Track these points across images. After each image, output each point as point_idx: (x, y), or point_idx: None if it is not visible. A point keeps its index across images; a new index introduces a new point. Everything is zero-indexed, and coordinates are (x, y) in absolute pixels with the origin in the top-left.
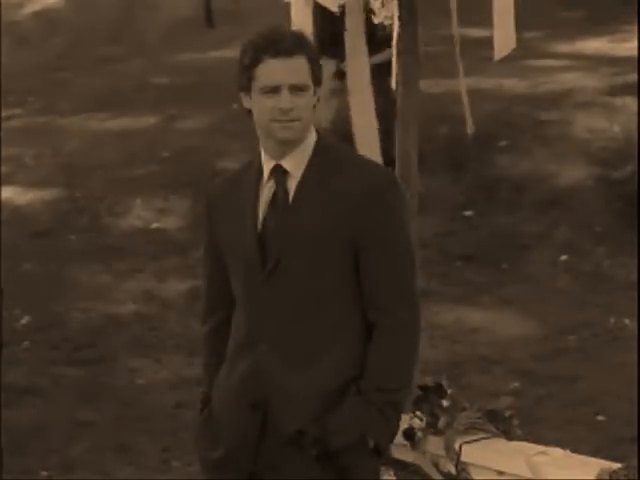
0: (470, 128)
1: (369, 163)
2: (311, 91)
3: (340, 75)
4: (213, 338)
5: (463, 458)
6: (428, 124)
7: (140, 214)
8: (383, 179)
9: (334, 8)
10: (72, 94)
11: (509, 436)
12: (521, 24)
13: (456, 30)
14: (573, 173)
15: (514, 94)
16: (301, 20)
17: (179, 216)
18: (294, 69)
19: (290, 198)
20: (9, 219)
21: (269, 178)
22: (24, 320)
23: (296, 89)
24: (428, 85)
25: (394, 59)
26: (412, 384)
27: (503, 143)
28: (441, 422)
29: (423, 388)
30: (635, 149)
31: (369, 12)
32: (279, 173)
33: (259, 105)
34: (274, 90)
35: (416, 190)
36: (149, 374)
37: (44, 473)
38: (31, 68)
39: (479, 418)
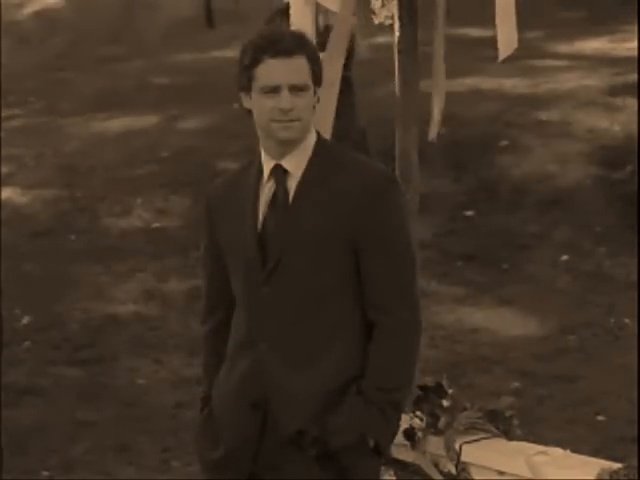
0: (432, 135)
1: (369, 163)
2: (311, 91)
3: None
4: (213, 338)
5: (463, 458)
6: (428, 124)
7: (140, 214)
8: (383, 179)
9: (335, 8)
10: (72, 94)
11: (509, 436)
12: (521, 24)
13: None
14: (574, 173)
15: (514, 94)
16: (301, 20)
17: (179, 216)
18: (294, 69)
19: (290, 198)
20: (9, 219)
21: (269, 178)
22: (25, 320)
23: (296, 89)
24: (428, 85)
25: (395, 59)
26: (412, 384)
27: (504, 143)
28: (441, 422)
29: (423, 388)
30: (635, 149)
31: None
32: (279, 173)
33: (259, 105)
34: (274, 90)
35: (416, 190)
36: (149, 374)
37: (45, 473)
38: (31, 68)
39: (479, 418)
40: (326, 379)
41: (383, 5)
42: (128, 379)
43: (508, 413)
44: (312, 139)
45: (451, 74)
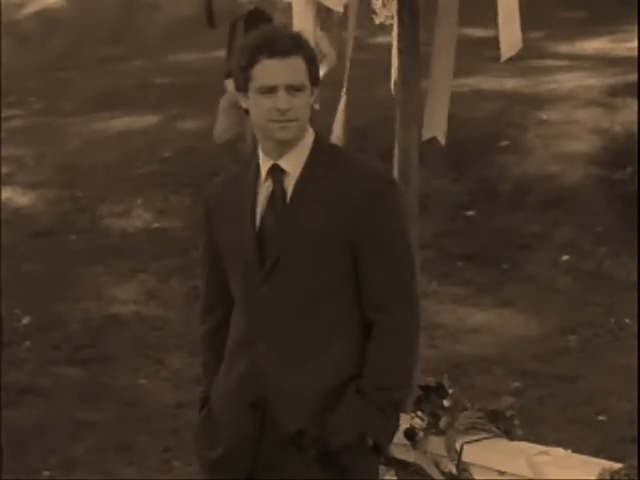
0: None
1: (367, 163)
2: (308, 91)
3: None
4: (212, 338)
5: (464, 458)
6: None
7: (141, 214)
8: (382, 179)
9: (339, 8)
10: (73, 94)
11: (510, 436)
12: (522, 24)
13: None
14: (574, 173)
15: (515, 94)
16: (302, 20)
17: (180, 216)
18: (291, 69)
19: (288, 197)
20: (10, 219)
21: (267, 178)
22: (25, 320)
23: (293, 89)
24: (429, 85)
25: (395, 59)
26: (412, 383)
27: (504, 143)
28: (442, 422)
29: (424, 388)
30: (636, 149)
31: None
32: (277, 172)
33: (256, 105)
34: (271, 90)
35: (417, 190)
36: (150, 374)
37: (46, 473)
38: (32, 68)
39: (480, 418)
40: (325, 379)
41: (384, 5)
42: (129, 379)
43: (509, 413)
44: (309, 139)
45: (452, 74)
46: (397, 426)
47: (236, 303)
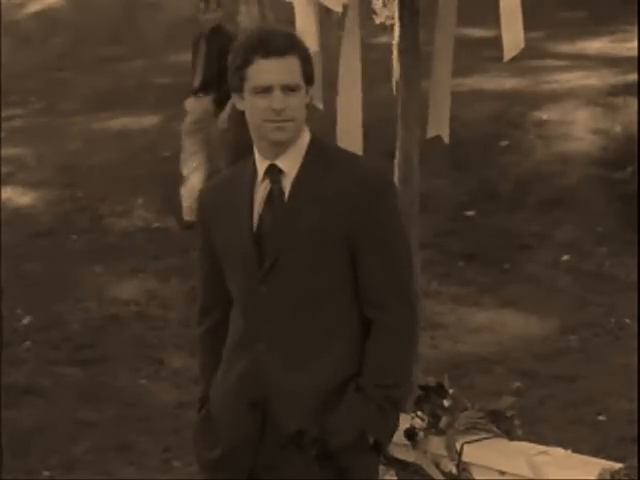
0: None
1: (364, 162)
2: (303, 91)
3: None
4: (210, 339)
5: (464, 458)
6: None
7: (141, 214)
8: (379, 178)
9: (338, 8)
10: (73, 94)
11: (510, 436)
12: (523, 24)
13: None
14: (574, 173)
15: (515, 94)
16: (304, 20)
17: (180, 216)
18: (286, 69)
19: (286, 197)
20: (10, 219)
21: (264, 178)
22: (25, 320)
23: (288, 89)
24: (430, 85)
25: (395, 59)
26: (411, 381)
27: (504, 143)
28: (442, 422)
29: (424, 388)
30: (636, 149)
31: (371, 12)
32: (274, 172)
33: (251, 106)
34: (266, 90)
35: (417, 190)
36: (150, 374)
37: (46, 473)
38: (32, 68)
39: (480, 418)
40: (325, 378)
41: (384, 5)
42: (129, 379)
43: (509, 413)
44: (306, 138)
45: (452, 74)
46: (397, 424)
47: (234, 303)
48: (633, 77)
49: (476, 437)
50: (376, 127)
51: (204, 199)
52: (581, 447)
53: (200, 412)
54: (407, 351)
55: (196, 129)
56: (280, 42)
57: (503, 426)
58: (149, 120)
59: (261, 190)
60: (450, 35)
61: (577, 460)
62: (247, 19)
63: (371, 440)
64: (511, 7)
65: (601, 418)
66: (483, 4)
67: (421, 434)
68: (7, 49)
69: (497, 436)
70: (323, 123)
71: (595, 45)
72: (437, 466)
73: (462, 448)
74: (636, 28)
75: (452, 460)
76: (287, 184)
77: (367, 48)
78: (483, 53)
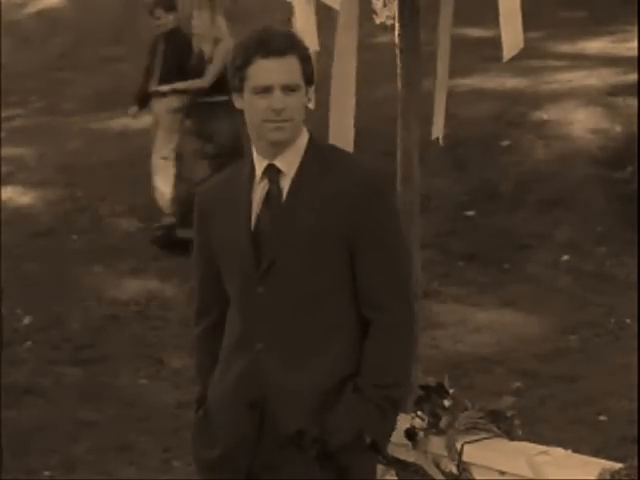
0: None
1: (363, 163)
2: (303, 91)
3: (186, 111)
4: (207, 339)
5: (465, 458)
6: (429, 124)
7: (141, 214)
8: (378, 178)
9: (336, 5)
10: (74, 94)
11: (511, 436)
12: (523, 24)
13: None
14: (574, 173)
15: (516, 94)
16: (304, 19)
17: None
18: (286, 69)
19: (284, 197)
20: (10, 219)
21: (262, 177)
22: (26, 320)
23: (288, 89)
24: (430, 85)
25: (398, 59)
26: (410, 381)
27: (505, 143)
28: (443, 422)
29: (425, 388)
30: (636, 149)
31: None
32: (272, 172)
33: (251, 106)
34: (266, 90)
35: (418, 190)
36: (150, 374)
37: (46, 473)
38: (32, 68)
39: (481, 418)
40: (323, 377)
41: (384, 5)
42: (129, 379)
43: (509, 413)
44: (304, 138)
45: (452, 74)
46: (395, 423)
47: (232, 303)
48: (633, 77)
49: (476, 437)
50: (376, 127)
51: (201, 198)
52: (581, 447)
53: (197, 413)
54: (406, 351)
55: (164, 130)
56: (280, 42)
57: (503, 426)
58: (149, 120)
59: (259, 190)
60: (448, 34)
61: (577, 460)
62: (199, 24)
63: (369, 440)
64: (510, 7)
65: (601, 418)
66: (483, 4)
67: (421, 434)
68: (7, 49)
69: (497, 436)
70: (324, 124)
71: (595, 45)
72: (437, 466)
73: (462, 448)
74: (636, 28)
75: (452, 460)
76: (285, 184)
77: (367, 48)
78: (483, 53)
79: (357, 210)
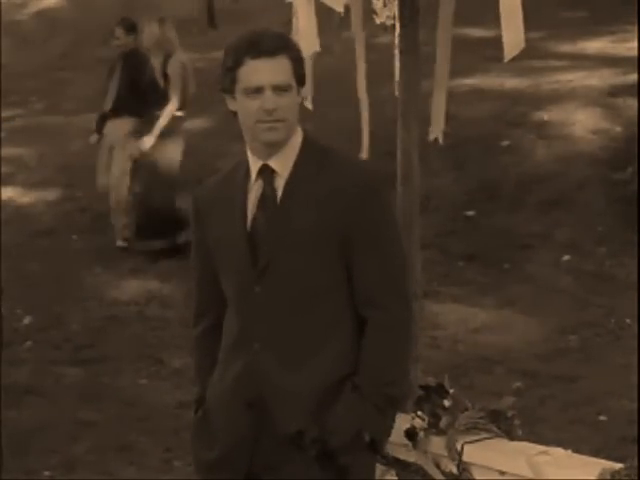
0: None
1: (358, 162)
2: (294, 91)
3: (138, 133)
4: (205, 340)
5: (465, 458)
6: (429, 124)
7: None
8: (374, 177)
9: (340, 8)
10: (73, 94)
11: (511, 436)
12: (524, 24)
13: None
14: (575, 173)
15: (516, 94)
16: (305, 20)
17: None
18: (276, 69)
19: (278, 198)
20: (10, 219)
21: (257, 178)
22: (26, 320)
23: (279, 89)
24: (430, 85)
25: (396, 59)
26: (408, 378)
27: (505, 143)
28: (443, 422)
29: (425, 388)
30: (636, 150)
31: (371, 12)
32: (267, 173)
33: (243, 107)
34: (257, 91)
35: (418, 190)
36: (150, 374)
37: (46, 473)
38: (32, 68)
39: (481, 418)
40: (321, 377)
41: (385, 5)
42: (129, 379)
43: (510, 413)
44: (298, 138)
45: (453, 74)
46: (394, 422)
47: (229, 303)
48: (633, 77)
49: (476, 437)
50: (376, 127)
51: (198, 198)
52: (581, 447)
53: (196, 414)
54: (403, 349)
55: (117, 152)
56: (270, 42)
57: (503, 426)
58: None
59: (254, 190)
60: (449, 35)
61: (577, 460)
62: (149, 39)
63: (367, 439)
64: (511, 7)
65: (601, 418)
66: (484, 4)
67: (421, 434)
68: (7, 49)
69: (497, 436)
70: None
71: (596, 45)
72: (437, 466)
73: (462, 448)
74: (636, 28)
75: (452, 460)
76: (280, 184)
77: (367, 48)
78: (484, 53)
79: (353, 210)
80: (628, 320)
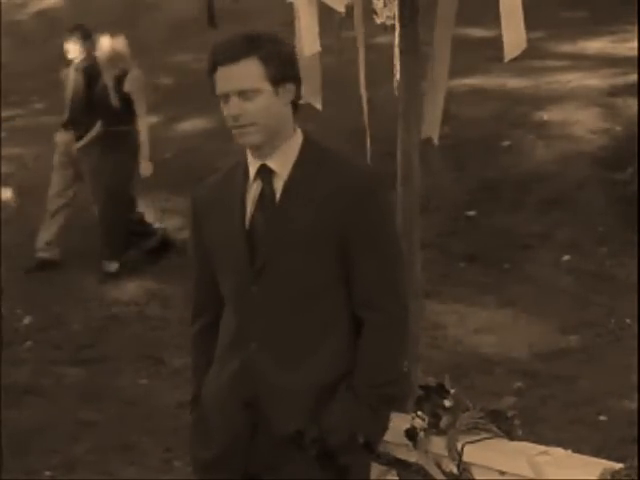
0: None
1: (357, 163)
2: (266, 93)
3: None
4: (202, 339)
5: (465, 458)
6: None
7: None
8: (372, 178)
9: (341, 8)
10: None
11: (511, 436)
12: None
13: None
14: (575, 173)
15: (517, 94)
16: (307, 20)
17: (181, 216)
18: (240, 75)
19: (277, 198)
20: (10, 219)
21: (255, 178)
22: (26, 320)
23: (245, 94)
24: (427, 84)
25: (396, 59)
26: (405, 379)
27: (506, 143)
28: (443, 422)
29: (425, 388)
30: (636, 150)
31: (371, 12)
32: (265, 172)
33: (223, 112)
34: (225, 97)
35: (418, 190)
36: (151, 374)
37: (47, 473)
38: (33, 68)
39: (481, 418)
40: (317, 376)
41: (385, 5)
42: (129, 379)
43: (510, 413)
44: (298, 139)
45: (453, 74)
46: (388, 422)
47: (226, 303)
48: (634, 77)
49: (477, 437)
50: (376, 127)
51: (197, 197)
52: (582, 447)
53: (192, 413)
54: (399, 349)
55: (65, 163)
56: (235, 48)
57: (504, 426)
58: (149, 120)
59: (253, 190)
60: (448, 35)
61: (578, 460)
62: (102, 53)
63: (362, 439)
64: (512, 7)
65: (602, 418)
66: (485, 4)
67: (422, 434)
68: (8, 49)
69: (498, 436)
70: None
71: (596, 45)
72: (438, 466)
73: (463, 448)
74: (636, 28)
75: (453, 460)
76: (279, 184)
77: (367, 48)
78: (485, 53)
79: (351, 211)
80: (628, 320)
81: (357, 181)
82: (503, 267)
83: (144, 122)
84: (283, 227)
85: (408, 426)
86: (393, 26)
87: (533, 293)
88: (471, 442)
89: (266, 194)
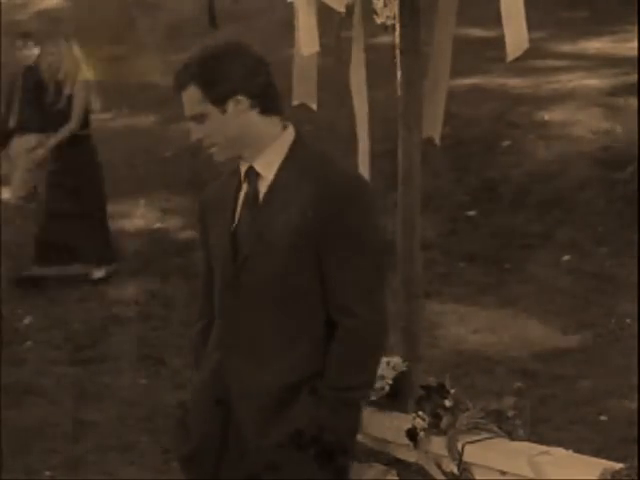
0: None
1: (341, 167)
2: (213, 114)
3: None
4: (198, 339)
5: (466, 458)
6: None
7: (142, 214)
8: (355, 184)
9: (341, 8)
10: None
11: (512, 436)
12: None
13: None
14: (575, 173)
15: (517, 94)
16: (306, 20)
17: (181, 216)
18: (188, 101)
19: (260, 198)
20: (10, 219)
21: (244, 179)
22: (26, 320)
23: (197, 119)
24: (427, 84)
25: (397, 59)
26: (371, 385)
27: (506, 143)
28: (444, 422)
29: (426, 388)
30: (636, 150)
31: (371, 12)
32: (252, 174)
33: None
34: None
35: (419, 190)
36: (151, 374)
37: (47, 473)
38: None
39: (482, 418)
40: (283, 376)
41: (385, 5)
42: (130, 379)
43: (510, 413)
44: (287, 138)
45: (454, 74)
46: (355, 425)
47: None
48: (634, 77)
49: (477, 437)
50: (376, 127)
51: (201, 201)
52: (582, 447)
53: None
54: (369, 356)
55: (24, 169)
56: (177, 78)
57: (504, 426)
58: (149, 120)
59: (242, 192)
60: (449, 35)
61: (578, 460)
62: (54, 56)
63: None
64: (513, 7)
65: (602, 418)
66: (486, 3)
67: (422, 434)
68: (7, 49)
69: (498, 436)
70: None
71: (596, 45)
72: (438, 466)
73: (463, 448)
74: (637, 28)
75: (453, 460)
76: (263, 186)
77: (367, 48)
78: (485, 53)
79: (329, 217)
80: (628, 320)
81: (338, 188)
82: (503, 267)
83: (69, 125)
84: (264, 227)
85: (409, 426)
86: (393, 26)
87: (533, 293)
88: (471, 442)
89: (250, 196)
